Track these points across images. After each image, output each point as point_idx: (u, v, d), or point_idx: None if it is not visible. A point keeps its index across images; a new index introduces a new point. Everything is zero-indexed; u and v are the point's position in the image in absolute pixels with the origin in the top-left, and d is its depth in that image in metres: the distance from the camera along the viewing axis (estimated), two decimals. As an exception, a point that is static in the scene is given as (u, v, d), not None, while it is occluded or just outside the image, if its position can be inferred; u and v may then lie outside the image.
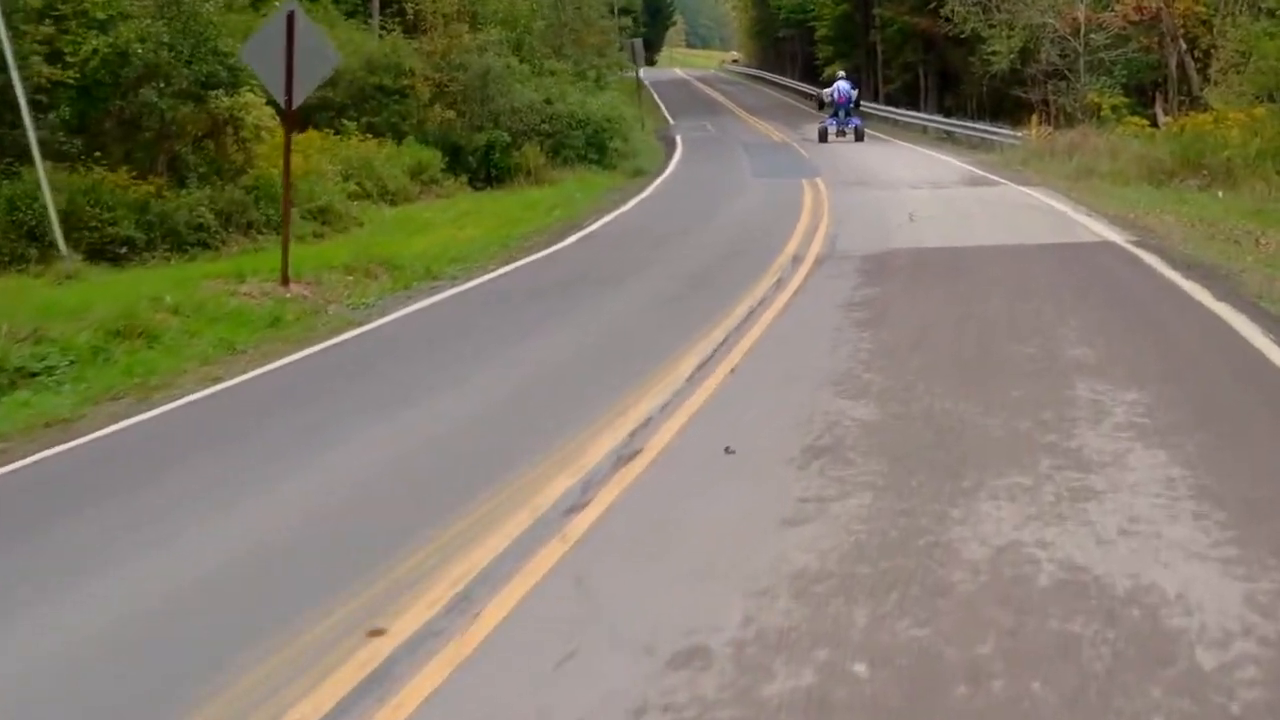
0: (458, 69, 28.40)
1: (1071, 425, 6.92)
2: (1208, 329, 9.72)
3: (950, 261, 14.05)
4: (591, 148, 29.87)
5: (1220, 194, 22.02)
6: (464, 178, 27.53)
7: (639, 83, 39.50)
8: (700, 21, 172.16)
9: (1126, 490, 5.79)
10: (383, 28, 29.82)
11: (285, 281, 13.88)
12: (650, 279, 14.03)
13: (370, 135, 26.05)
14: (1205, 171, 23.66)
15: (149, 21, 18.59)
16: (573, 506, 5.93)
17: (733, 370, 8.78)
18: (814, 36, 62.83)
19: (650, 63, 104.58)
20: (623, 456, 6.75)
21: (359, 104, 26.95)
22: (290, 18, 13.66)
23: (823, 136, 37.50)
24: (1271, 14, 23.78)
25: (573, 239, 18.41)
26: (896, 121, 44.46)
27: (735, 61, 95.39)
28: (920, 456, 6.44)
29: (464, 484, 6.39)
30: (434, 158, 26.08)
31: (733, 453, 6.68)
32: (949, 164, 29.90)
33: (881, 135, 41.07)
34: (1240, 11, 29.29)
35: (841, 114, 37.99)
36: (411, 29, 30.32)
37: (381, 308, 13.20)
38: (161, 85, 18.51)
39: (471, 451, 7.22)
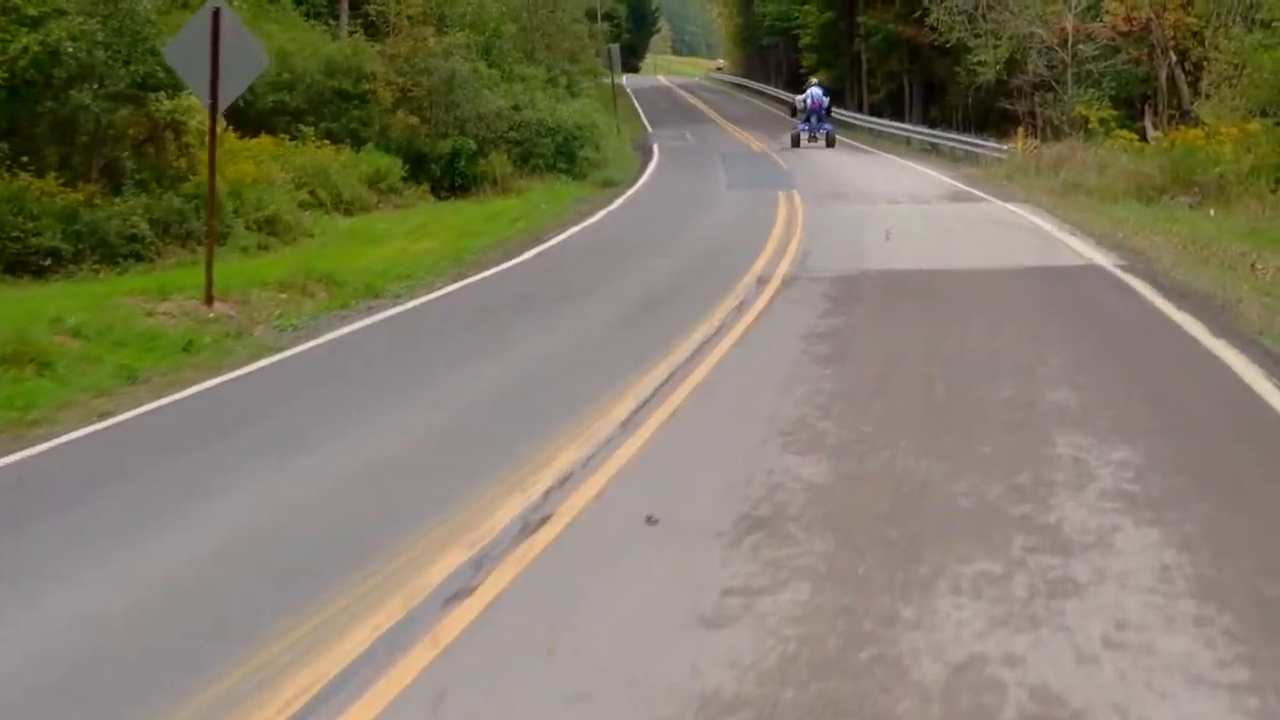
0: (422, 73, 27.46)
1: (1050, 492, 6.02)
2: (1204, 370, 8.85)
3: (925, 286, 13.18)
4: (561, 156, 28.98)
5: (1212, 212, 21.23)
6: (427, 186, 26.61)
7: (615, 90, 38.61)
8: (687, 29, 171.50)
9: (1113, 582, 4.88)
10: (330, 27, 28.84)
11: (209, 300, 12.91)
12: (603, 301, 13.12)
13: (329, 141, 25.12)
14: (1196, 188, 22.88)
15: (83, 19, 17.67)
16: (457, 593, 5.00)
17: (673, 414, 7.87)
18: (798, 45, 62.06)
19: (634, 70, 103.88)
20: (530, 524, 5.83)
21: (317, 109, 25.98)
22: (216, 15, 12.73)
23: (795, 141, 38.82)
24: (1265, 25, 22.96)
25: (529, 254, 17.50)
26: (880, 133, 43.68)
27: (720, 69, 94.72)
28: (872, 532, 5.53)
29: (337, 558, 5.46)
30: (394, 166, 25.15)
31: (655, 522, 5.75)
32: (931, 178, 29.08)
33: (865, 146, 40.33)
34: (1232, 23, 28.52)
35: (814, 120, 39.42)
36: (374, 31, 29.39)
37: (311, 329, 12.25)
38: (96, 86, 17.57)
39: (357, 514, 6.28)
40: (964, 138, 35.94)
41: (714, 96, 69.28)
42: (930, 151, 37.48)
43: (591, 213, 22.98)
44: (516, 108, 28.67)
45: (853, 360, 9.44)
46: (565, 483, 6.47)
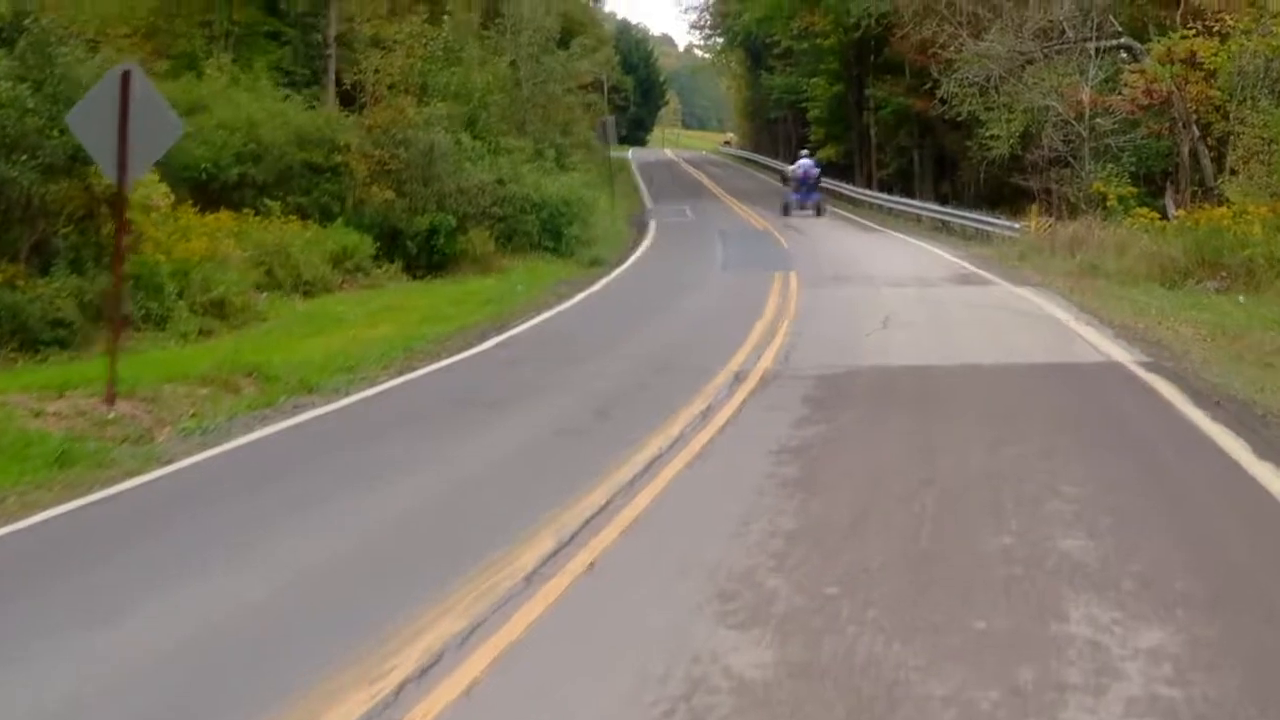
0: (400, 145, 26.36)
1: (1059, 701, 4.56)
2: (1251, 507, 7.38)
3: (921, 388, 11.76)
4: (547, 234, 27.79)
5: (1241, 298, 19.89)
6: (401, 265, 25.49)
7: (610, 163, 37.47)
8: (698, 102, 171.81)
9: None
10: (317, 99, 27.75)
11: (110, 398, 11.53)
12: (554, 402, 11.71)
13: (297, 217, 23.97)
14: (1224, 272, 21.54)
15: (12, 84, 16.59)
16: None
17: (591, 565, 6.44)
18: (806, 118, 61.21)
19: (641, 143, 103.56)
20: (360, 745, 4.40)
21: (285, 182, 24.88)
22: (125, 79, 11.51)
23: (786, 210, 40.60)
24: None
25: (490, 343, 16.16)
26: (890, 210, 42.49)
27: (728, 143, 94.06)
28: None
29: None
30: (363, 243, 23.94)
31: None
32: (940, 258, 27.78)
33: (873, 224, 39.13)
34: (1260, 95, 27.29)
35: (804, 189, 41.31)
36: (352, 101, 28.35)
37: (221, 433, 10.85)
38: (26, 158, 16.45)
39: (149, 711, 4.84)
40: (975, 215, 34.68)
41: (720, 170, 68.38)
42: (941, 229, 36.28)
43: (570, 295, 21.70)
44: (500, 182, 27.52)
45: (825, 486, 8.00)
46: (429, 671, 5.04)
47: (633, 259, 29.00)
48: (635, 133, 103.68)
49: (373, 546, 7.17)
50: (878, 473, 8.27)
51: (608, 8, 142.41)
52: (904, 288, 21.43)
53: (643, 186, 55.64)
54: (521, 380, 13.20)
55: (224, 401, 12.27)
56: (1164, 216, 29.38)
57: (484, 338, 16.65)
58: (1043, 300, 19.12)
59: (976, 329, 16.15)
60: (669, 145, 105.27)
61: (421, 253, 25.88)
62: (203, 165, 23.39)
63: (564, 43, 40.51)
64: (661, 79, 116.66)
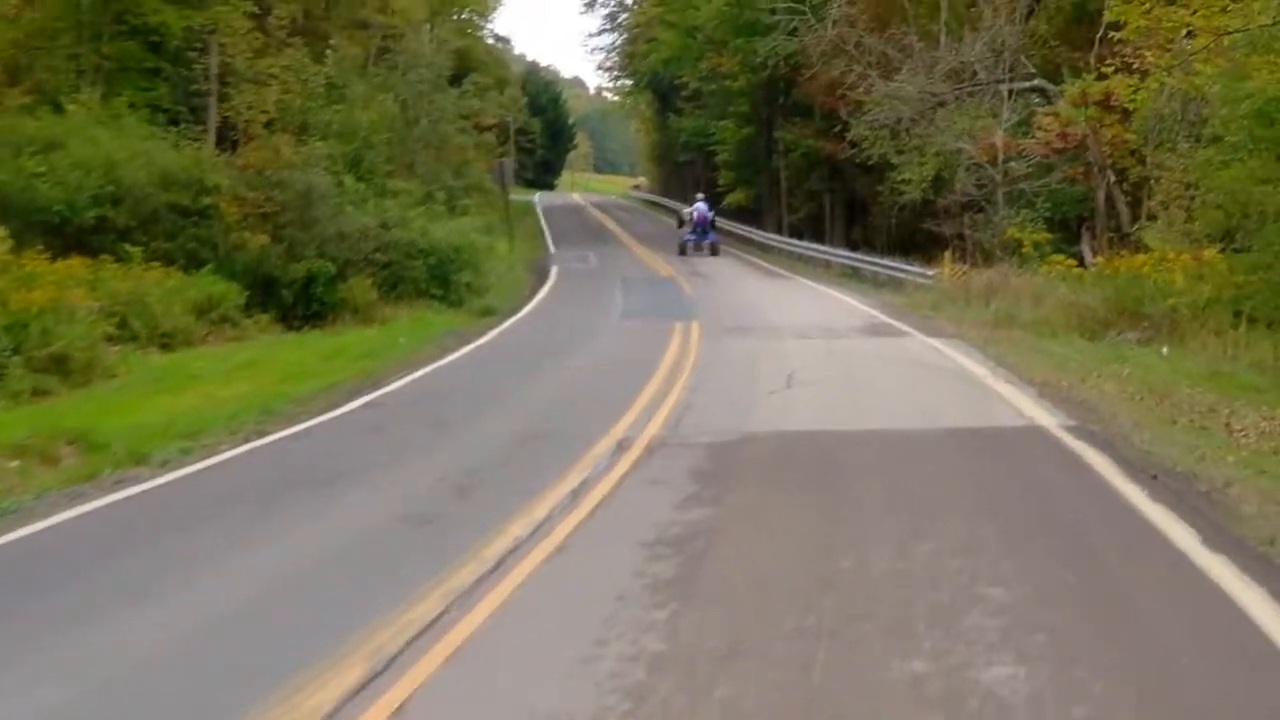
0: (276, 187, 24.92)
1: None
2: (1210, 617, 6.23)
3: (824, 459, 10.58)
4: (435, 281, 26.45)
5: (1165, 350, 19.06)
6: (275, 315, 24.01)
7: (508, 207, 36.21)
8: (609, 146, 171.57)
9: None
10: (197, 139, 26.20)
11: (-112, 476, 10.04)
12: (409, 478, 10.38)
13: (161, 263, 22.43)
14: (1145, 323, 20.75)
15: None
16: None
17: (400, 708, 5.14)
18: (716, 161, 60.53)
19: (548, 187, 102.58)
20: None
21: (149, 226, 23.31)
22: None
23: (682, 250, 43.03)
24: (1215, 140, 21.00)
25: (357, 403, 14.80)
26: (800, 255, 41.65)
27: (638, 187, 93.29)
28: None
29: None
30: (230, 292, 22.44)
31: None
32: (850, 306, 26.85)
33: (782, 270, 38.29)
34: (1178, 138, 26.70)
35: (700, 231, 43.68)
36: (221, 139, 26.88)
37: (23, 515, 9.40)
38: None
39: None
40: (887, 261, 33.86)
41: (627, 215, 67.47)
42: (851, 276, 35.50)
43: (456, 348, 20.40)
44: (385, 226, 26.17)
45: (704, 592, 6.76)
46: None
47: (529, 308, 27.76)
48: (543, 176, 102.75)
49: (143, 679, 5.79)
50: (768, 573, 7.04)
51: (517, 49, 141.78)
52: (811, 339, 20.40)
53: (546, 231, 54.49)
54: (380, 448, 11.85)
55: (36, 476, 10.87)
56: (1081, 263, 28.76)
57: (352, 397, 15.30)
58: (958, 354, 18.14)
59: (887, 387, 15.06)
60: (578, 189, 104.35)
61: (298, 302, 24.42)
62: (55, 207, 21.81)
63: (457, 80, 39.30)
64: (571, 122, 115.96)
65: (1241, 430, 11.87)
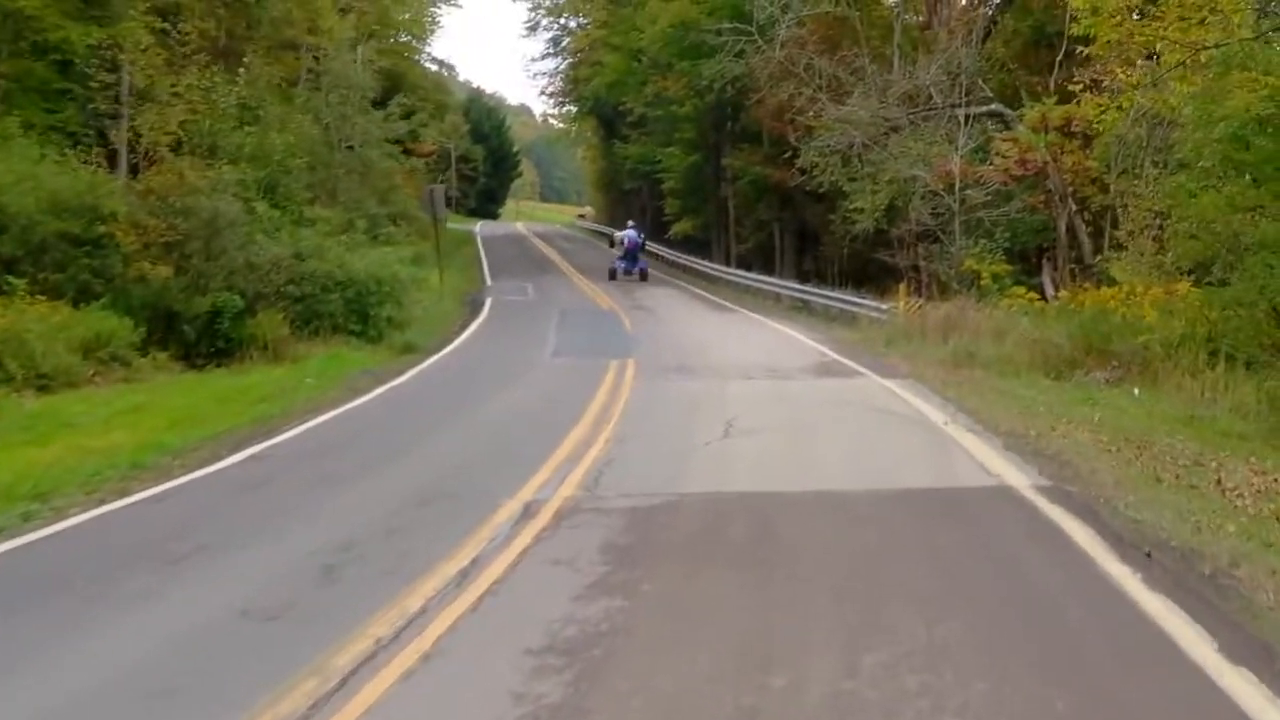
0: (180, 214, 23.38)
1: None
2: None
3: (762, 531, 9.21)
4: (353, 315, 24.94)
5: (1137, 391, 18.00)
6: (177, 352, 22.46)
7: (438, 236, 34.72)
8: (556, 174, 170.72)
9: None
10: (88, 161, 24.57)
11: None
12: (266, 555, 8.93)
13: (49, 297, 20.86)
14: (1114, 361, 19.68)
15: None
16: None
17: None
18: (662, 190, 59.43)
19: (491, 216, 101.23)
20: None
21: (36, 256, 21.71)
22: None
23: (612, 275, 44.72)
24: (1183, 167, 19.95)
25: (242, 455, 13.34)
26: (748, 288, 40.53)
27: (583, 217, 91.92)
28: None
29: None
30: (123, 328, 20.87)
31: None
32: (799, 343, 25.60)
33: (728, 303, 37.07)
34: (1143, 164, 25.70)
35: (630, 257, 45.60)
36: (123, 163, 25.32)
37: None
38: None
39: None
40: (839, 294, 32.73)
41: (570, 245, 66.11)
42: (801, 309, 34.42)
43: (367, 389, 18.95)
44: (298, 256, 24.65)
45: (598, 725, 5.39)
46: None
47: (456, 343, 26.32)
48: (486, 205, 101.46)
49: None
50: (678, 699, 5.66)
51: (461, 76, 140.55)
52: (755, 380, 19.10)
53: (485, 261, 53.03)
54: (250, 514, 10.39)
55: None
56: (1042, 296, 27.76)
57: (239, 447, 13.84)
58: (914, 396, 16.89)
59: (836, 437, 13.72)
60: (522, 218, 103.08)
61: (203, 338, 22.88)
62: None
63: (382, 103, 37.88)
64: (515, 149, 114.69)
65: (1235, 489, 10.66)
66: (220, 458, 13.27)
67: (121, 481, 11.94)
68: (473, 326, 29.98)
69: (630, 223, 49.64)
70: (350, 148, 34.47)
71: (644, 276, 44.95)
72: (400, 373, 21.20)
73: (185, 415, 16.36)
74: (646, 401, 16.66)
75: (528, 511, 9.81)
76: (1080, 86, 20.99)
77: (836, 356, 22.65)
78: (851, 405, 16.29)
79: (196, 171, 23.86)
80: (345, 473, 12.10)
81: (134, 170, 25.56)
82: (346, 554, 8.68)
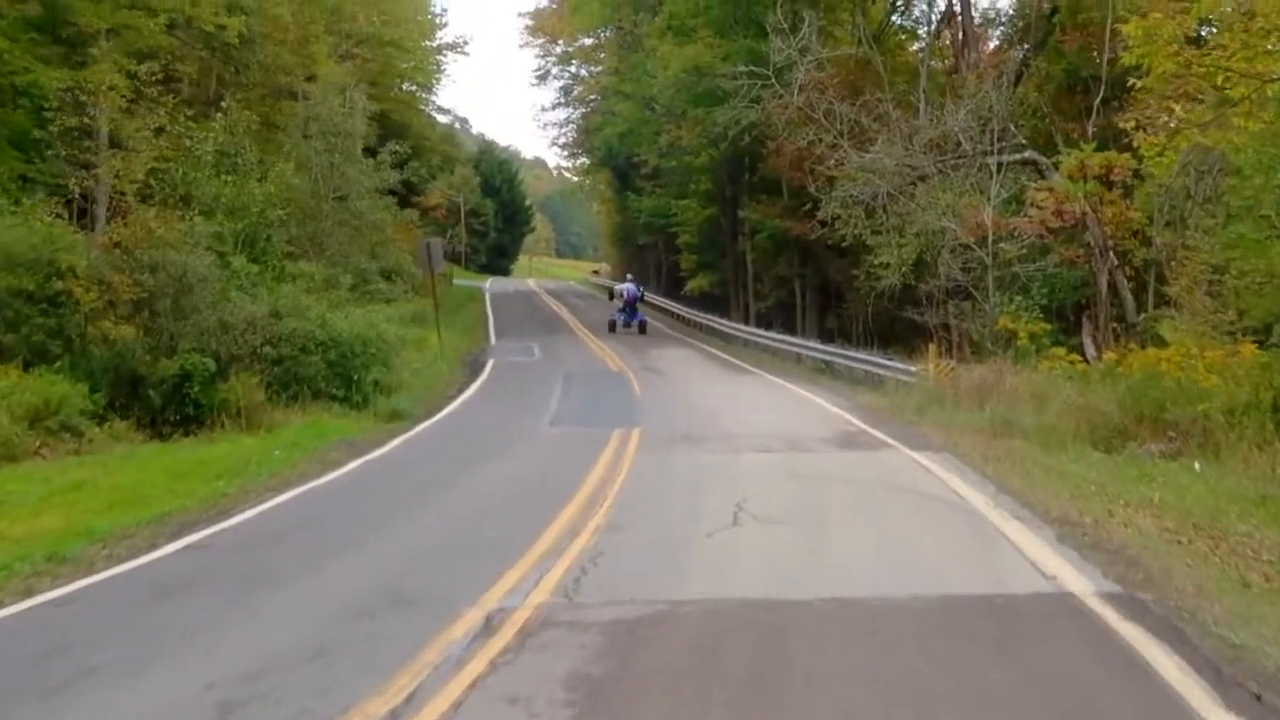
0: (147, 270, 22.07)
1: None
2: None
3: (772, 652, 7.69)
4: (336, 379, 23.52)
5: (1198, 466, 16.38)
6: (141, 419, 21.12)
7: (436, 293, 33.27)
8: (572, 230, 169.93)
9: None
10: (52, 213, 23.27)
11: None
12: (155, 687, 7.43)
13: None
14: (1171, 432, 18.07)
15: None
16: None
17: None
18: (677, 244, 58.25)
19: (504, 272, 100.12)
20: None
21: (-14, 315, 20.42)
22: None
23: (612, 327, 46.38)
24: (1235, 216, 18.47)
25: (178, 544, 11.96)
26: (767, 348, 39.11)
27: (597, 273, 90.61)
28: None
29: None
30: (75, 394, 19.51)
31: None
32: (821, 410, 24.08)
33: (747, 365, 35.59)
34: (1190, 214, 24.20)
35: (629, 309, 47.34)
36: (101, 215, 24.04)
37: None
38: None
39: None
40: (864, 356, 31.25)
41: (582, 303, 64.75)
42: (824, 371, 32.91)
43: (340, 463, 17.54)
44: (276, 315, 23.28)
45: None
46: None
47: (448, 410, 24.87)
48: (497, 261, 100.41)
49: None
50: None
51: (475, 129, 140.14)
52: (772, 453, 17.59)
53: (491, 319, 51.70)
54: (157, 626, 8.91)
55: None
56: (1083, 357, 26.25)
57: (180, 533, 12.45)
58: (949, 473, 15.35)
59: (862, 526, 12.16)
60: (536, 275, 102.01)
61: (169, 405, 21.46)
62: None
63: (373, 151, 36.65)
64: (528, 203, 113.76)
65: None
66: (155, 547, 11.90)
67: (29, 578, 10.56)
68: (470, 390, 28.56)
69: (629, 276, 53.14)
70: (341, 198, 33.14)
71: (643, 329, 46.43)
72: (381, 443, 19.79)
73: (130, 494, 14.96)
74: (648, 478, 15.18)
75: (489, 625, 8.32)
76: (1132, 124, 19.48)
77: (862, 425, 21.13)
78: (880, 484, 14.73)
79: (166, 223, 22.53)
80: (287, 569, 10.62)
81: (93, 221, 24.24)
82: (253, 687, 7.18)
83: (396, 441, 20.09)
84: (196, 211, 23.92)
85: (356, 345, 23.98)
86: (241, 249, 25.02)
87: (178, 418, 21.49)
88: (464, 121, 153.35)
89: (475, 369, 33.59)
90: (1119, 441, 18.33)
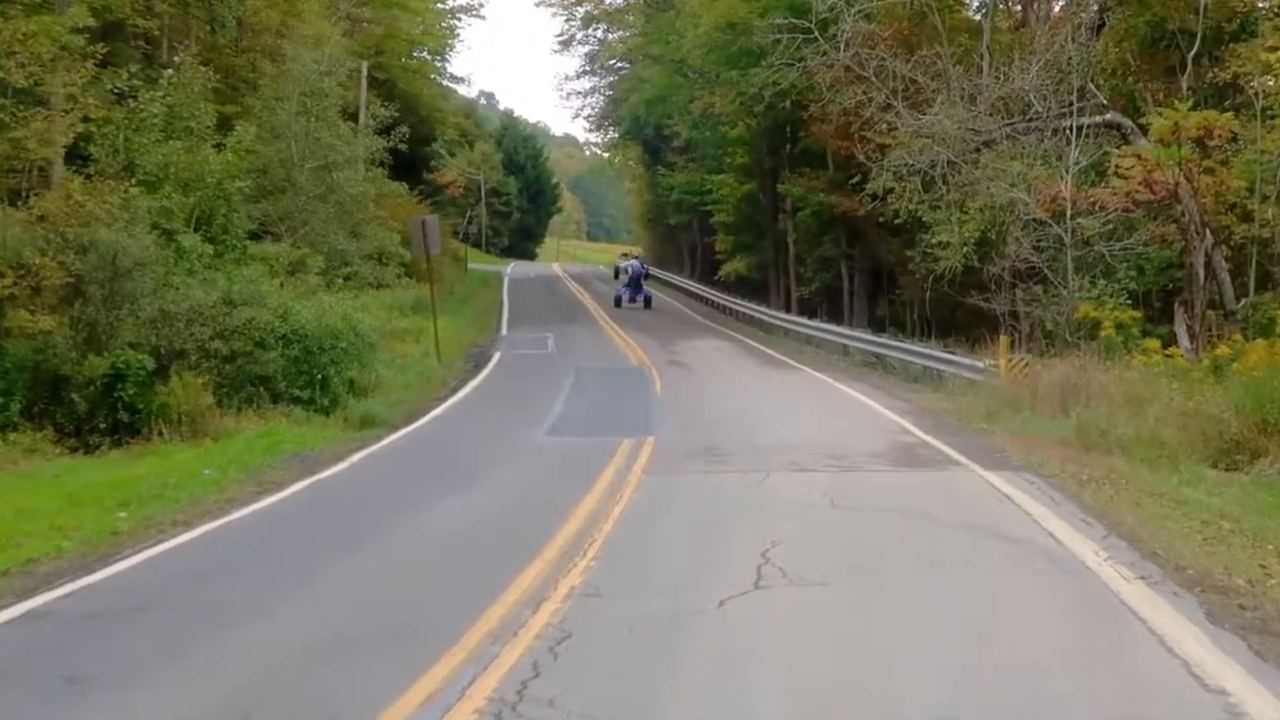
0: (76, 251, 19.53)
1: None
2: None
3: None
4: (299, 378, 20.90)
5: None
6: (64, 427, 18.70)
7: (433, 278, 30.52)
8: (605, 211, 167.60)
9: None
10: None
11: None
12: None
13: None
14: (1309, 447, 15.26)
15: None
16: None
17: None
18: (712, 223, 55.65)
19: (529, 255, 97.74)
20: None
21: None
22: None
23: (618, 302, 50.06)
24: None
25: (16, 610, 9.31)
26: (809, 338, 36.46)
27: (625, 255, 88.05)
28: None
29: None
30: (-27, 400, 17.01)
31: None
32: (872, 413, 21.41)
33: (786, 357, 33.01)
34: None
35: (634, 286, 50.51)
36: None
37: None
38: None
39: None
40: (922, 348, 28.46)
41: (609, 288, 62.11)
42: (875, 365, 30.23)
43: (281, 484, 15.02)
44: (229, 303, 20.69)
45: None
46: None
47: (434, 414, 22.26)
48: (521, 243, 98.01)
49: None
50: None
51: (502, 105, 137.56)
52: (811, 472, 14.89)
53: (506, 308, 49.27)
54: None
55: None
56: (1185, 351, 23.42)
57: (31, 592, 9.90)
58: (1039, 504, 12.57)
59: (932, 594, 9.29)
60: (563, 258, 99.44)
61: (98, 410, 18.95)
62: None
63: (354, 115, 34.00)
64: (555, 182, 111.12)
65: None
66: (-2, 607, 9.28)
67: None
68: (465, 390, 25.96)
69: (634, 251, 60.00)
70: (325, 168, 30.47)
71: (648, 303, 49.89)
72: (340, 458, 17.19)
73: (2, 532, 12.35)
74: (652, 511, 12.49)
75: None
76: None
77: (922, 435, 18.38)
78: (951, 523, 11.89)
79: (96, 195, 19.95)
80: (121, 665, 7.92)
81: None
82: None
83: (359, 456, 17.46)
84: (135, 181, 21.24)
85: (325, 339, 21.33)
86: (196, 226, 22.40)
87: (108, 426, 18.98)
88: (490, 96, 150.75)
89: (478, 363, 31.04)
90: (1242, 458, 15.58)
